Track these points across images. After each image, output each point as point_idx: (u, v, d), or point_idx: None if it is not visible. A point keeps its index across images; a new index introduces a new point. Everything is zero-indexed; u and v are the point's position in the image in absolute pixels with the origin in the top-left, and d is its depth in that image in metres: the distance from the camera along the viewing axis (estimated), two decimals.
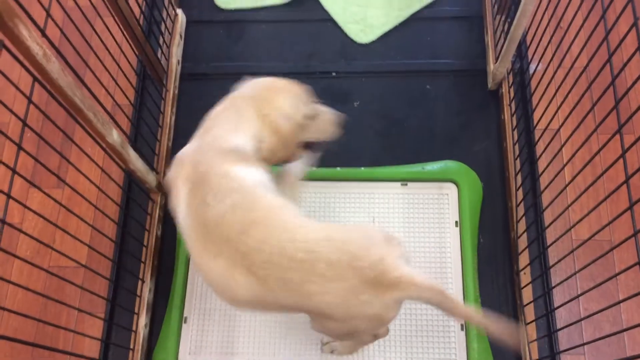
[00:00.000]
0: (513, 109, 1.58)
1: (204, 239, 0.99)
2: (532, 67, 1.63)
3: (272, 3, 1.84)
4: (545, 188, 1.35)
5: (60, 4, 1.13)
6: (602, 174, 1.04)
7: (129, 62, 1.49)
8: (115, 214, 1.56)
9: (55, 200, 1.16)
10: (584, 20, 1.12)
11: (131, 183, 1.57)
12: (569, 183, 1.19)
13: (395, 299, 0.95)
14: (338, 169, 1.59)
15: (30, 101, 1.07)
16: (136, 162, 1.37)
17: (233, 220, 0.96)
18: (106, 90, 1.34)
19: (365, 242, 0.95)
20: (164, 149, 1.60)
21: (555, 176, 1.26)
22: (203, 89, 1.73)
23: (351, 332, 1.08)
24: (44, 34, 1.02)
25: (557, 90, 1.26)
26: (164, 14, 1.70)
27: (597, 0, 1.05)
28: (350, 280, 0.92)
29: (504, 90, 1.62)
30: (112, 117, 1.33)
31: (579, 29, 1.14)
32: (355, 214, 1.55)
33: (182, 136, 1.67)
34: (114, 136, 1.25)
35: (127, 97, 1.43)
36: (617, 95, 0.99)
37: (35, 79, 0.99)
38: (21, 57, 0.95)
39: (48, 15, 1.07)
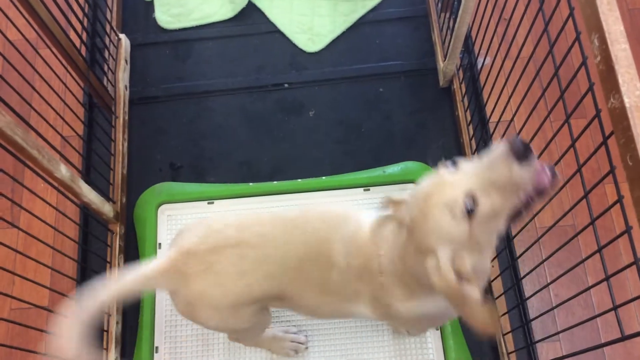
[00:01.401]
0: (466, 104, 1.59)
1: None
2: (480, 60, 1.64)
3: (216, 19, 1.81)
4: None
5: None
6: (558, 160, 1.05)
7: (74, 94, 1.45)
8: (75, 250, 1.51)
9: (7, 246, 1.12)
10: (525, 9, 1.13)
11: (88, 216, 1.53)
12: None
13: None
14: (299, 180, 1.57)
15: None
16: (89, 194, 1.33)
17: None
18: (52, 126, 1.30)
19: None
20: (119, 177, 1.56)
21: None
22: (154, 112, 1.70)
23: None
24: None
25: (506, 81, 1.27)
26: (107, 41, 1.66)
27: None
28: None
29: (455, 86, 1.63)
30: (60, 153, 1.30)
31: (521, 19, 1.14)
32: None
33: (136, 162, 1.64)
34: (63, 171, 1.21)
35: (75, 130, 1.40)
36: (565, 80, 1.00)
37: None
38: None
39: None
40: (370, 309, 1.02)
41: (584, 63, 0.90)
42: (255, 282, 0.98)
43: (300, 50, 1.77)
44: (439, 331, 1.43)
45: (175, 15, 1.81)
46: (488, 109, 1.55)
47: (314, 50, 1.77)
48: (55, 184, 1.23)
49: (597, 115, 0.86)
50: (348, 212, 1.04)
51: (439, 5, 1.70)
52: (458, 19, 1.41)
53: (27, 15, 1.27)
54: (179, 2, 1.84)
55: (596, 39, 0.80)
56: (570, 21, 0.93)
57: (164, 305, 1.47)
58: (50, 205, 1.23)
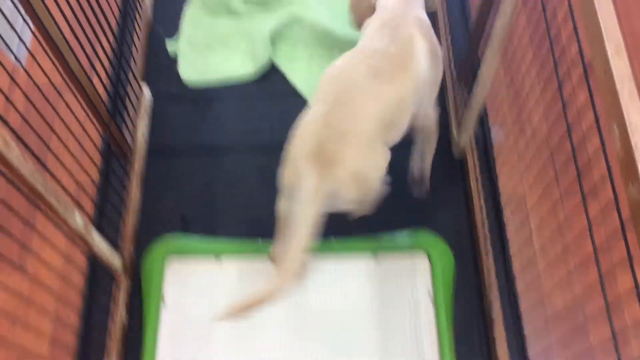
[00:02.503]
0: (478, 177, 1.60)
1: None
2: (494, 135, 1.66)
3: (238, 76, 1.85)
4: (514, 256, 1.36)
5: (20, 88, 1.12)
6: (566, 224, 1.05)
7: (93, 141, 1.47)
8: (79, 299, 1.50)
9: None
10: (542, 91, 1.15)
11: (95, 266, 1.53)
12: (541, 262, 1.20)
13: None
14: None
15: None
16: (100, 245, 1.33)
17: None
18: (69, 172, 1.31)
19: None
20: (129, 229, 1.57)
21: (524, 245, 1.26)
22: (170, 164, 1.71)
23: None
24: (5, 122, 1.00)
25: (520, 157, 1.28)
26: (129, 90, 1.69)
27: (553, 72, 1.09)
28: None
29: (468, 158, 1.65)
30: (75, 200, 1.30)
31: (538, 99, 1.17)
32: (326, 287, 1.52)
33: (148, 212, 1.64)
34: (77, 220, 1.21)
35: (91, 177, 1.41)
36: (579, 162, 1.01)
37: None
38: None
39: (8, 101, 1.05)
40: None
41: (603, 149, 0.92)
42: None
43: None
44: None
45: (198, 71, 1.86)
46: (501, 184, 1.56)
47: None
48: (70, 233, 1.23)
49: (617, 205, 0.87)
50: None
51: (454, 74, 1.73)
52: (474, 92, 1.44)
53: (54, 60, 1.31)
54: (202, 58, 1.88)
55: (616, 127, 0.82)
56: (586, 97, 0.95)
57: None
58: (59, 252, 1.22)
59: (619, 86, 0.80)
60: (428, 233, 1.58)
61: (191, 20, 1.94)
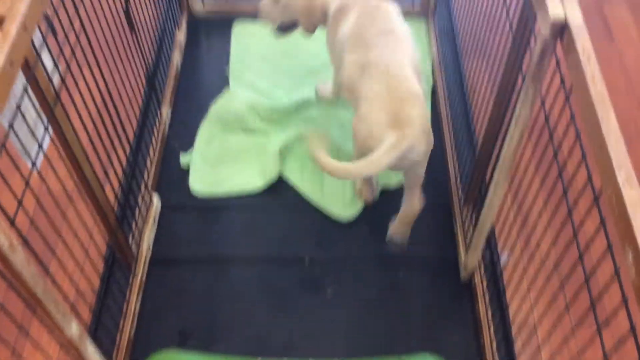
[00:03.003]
0: (487, 301, 1.56)
1: None
2: (503, 259, 1.65)
3: (247, 189, 1.88)
4: None
5: (32, 191, 1.13)
6: None
7: (98, 248, 1.46)
8: None
9: None
10: (551, 218, 1.15)
11: None
12: None
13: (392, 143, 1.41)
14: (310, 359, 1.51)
15: None
16: (93, 356, 1.28)
17: None
18: (70, 277, 1.29)
19: None
20: (125, 339, 1.51)
21: None
22: (173, 275, 1.69)
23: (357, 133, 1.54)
24: (13, 225, 1.00)
25: (530, 285, 1.26)
26: (139, 199, 1.71)
27: (562, 199, 1.09)
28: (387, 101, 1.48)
29: (476, 281, 1.62)
30: (73, 307, 1.27)
31: (547, 227, 1.17)
32: None
33: (146, 324, 1.59)
34: (73, 329, 1.17)
35: (92, 284, 1.38)
36: (592, 292, 0.99)
37: None
38: None
39: (20, 204, 1.06)
40: None
41: (616, 274, 0.90)
42: None
43: (325, 226, 1.80)
44: None
45: (208, 184, 1.89)
46: (511, 309, 1.52)
47: (349, 215, 1.81)
48: (64, 343, 1.18)
49: (634, 334, 0.84)
50: None
51: (462, 197, 1.75)
52: (482, 216, 1.44)
53: (70, 167, 1.33)
54: (213, 171, 1.92)
55: (630, 252, 0.81)
56: (595, 224, 0.94)
57: None
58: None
59: (631, 212, 0.80)
60: (436, 358, 1.51)
61: (205, 135, 2.00)
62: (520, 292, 1.41)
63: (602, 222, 0.94)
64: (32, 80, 1.10)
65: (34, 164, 1.15)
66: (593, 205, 0.97)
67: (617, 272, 0.90)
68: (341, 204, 1.84)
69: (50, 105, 1.17)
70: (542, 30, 1.09)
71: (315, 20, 1.77)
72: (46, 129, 1.18)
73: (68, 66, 1.25)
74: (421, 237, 1.77)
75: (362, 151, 1.49)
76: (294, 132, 1.96)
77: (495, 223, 1.55)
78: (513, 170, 1.33)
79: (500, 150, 1.34)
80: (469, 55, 2.03)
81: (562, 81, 1.11)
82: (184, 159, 1.94)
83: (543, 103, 1.19)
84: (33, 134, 1.16)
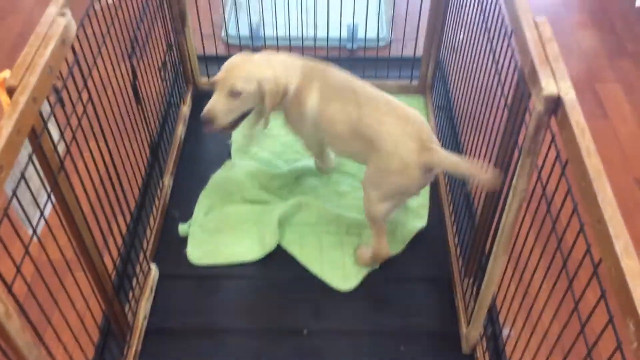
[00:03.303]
0: None
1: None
2: (505, 332, 1.62)
3: (245, 259, 1.87)
4: None
5: (32, 259, 1.13)
6: None
7: (94, 317, 1.44)
8: None
9: None
10: (551, 290, 1.14)
11: None
12: None
13: (427, 159, 1.58)
14: None
15: None
16: None
17: None
18: (64, 346, 1.27)
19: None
20: None
21: None
22: (168, 345, 1.66)
23: (382, 181, 1.64)
24: (10, 291, 0.99)
25: (533, 358, 1.23)
26: (138, 268, 1.70)
27: (562, 270, 1.09)
28: (409, 128, 1.60)
29: (478, 355, 1.59)
30: None
31: (548, 298, 1.16)
32: None
33: None
34: None
35: (86, 354, 1.36)
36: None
37: None
38: None
39: (18, 272, 1.05)
40: None
41: (618, 348, 0.89)
42: None
43: (325, 296, 1.78)
44: None
45: (205, 252, 1.88)
46: None
47: (350, 286, 1.79)
48: None
49: None
50: None
51: (462, 270, 1.74)
52: (482, 288, 1.43)
53: (70, 235, 1.33)
54: (211, 240, 1.92)
55: (632, 324, 0.80)
56: (596, 296, 0.94)
57: None
58: None
59: (630, 284, 0.80)
60: None
61: (204, 204, 2.01)
62: None
63: (603, 293, 0.94)
64: (38, 148, 1.13)
65: (34, 231, 1.16)
66: (593, 276, 0.96)
67: (619, 345, 0.89)
68: (341, 274, 1.83)
69: (54, 174, 1.19)
70: (537, 105, 1.13)
71: (279, 101, 1.75)
72: (49, 196, 1.20)
73: (74, 136, 1.28)
74: (421, 310, 1.75)
75: (397, 187, 1.64)
76: (292, 201, 1.98)
77: (497, 295, 1.54)
78: (513, 241, 1.33)
79: (499, 222, 1.35)
80: (466, 129, 2.07)
81: (558, 155, 1.13)
82: (182, 228, 1.94)
83: (540, 176, 1.21)
84: (35, 201, 1.17)
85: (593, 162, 0.98)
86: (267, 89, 1.66)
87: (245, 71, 1.66)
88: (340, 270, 1.83)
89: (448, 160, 1.57)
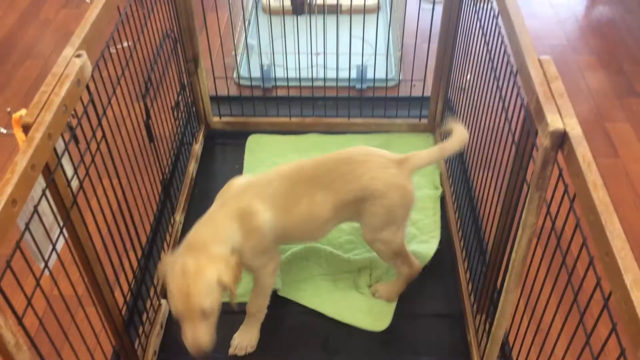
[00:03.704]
0: None
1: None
2: None
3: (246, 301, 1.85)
4: None
5: (43, 293, 1.14)
6: None
7: (104, 351, 1.44)
8: None
9: None
10: (564, 322, 1.13)
11: None
12: None
13: (409, 168, 1.63)
14: None
15: None
16: None
17: None
18: None
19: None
20: None
21: None
22: None
23: (391, 215, 1.64)
24: (20, 323, 1.00)
25: None
26: (148, 304, 1.70)
27: (573, 304, 1.08)
28: (380, 160, 1.61)
29: None
30: None
31: (560, 332, 1.14)
32: None
33: None
34: None
35: None
36: None
37: None
38: None
39: (29, 304, 1.06)
40: None
41: None
42: None
43: (334, 331, 1.77)
44: None
45: None
46: None
47: (385, 326, 1.77)
48: None
49: None
50: None
51: (475, 307, 1.72)
52: (495, 323, 1.42)
53: (82, 270, 1.35)
54: None
55: None
56: (609, 328, 0.93)
57: None
58: None
59: None
60: None
61: None
62: None
63: (614, 327, 0.93)
64: (51, 183, 1.15)
65: (46, 265, 1.17)
66: (604, 309, 0.96)
67: None
68: (374, 315, 1.80)
69: (67, 209, 1.21)
70: (543, 141, 1.14)
71: (241, 267, 1.56)
72: (61, 231, 1.21)
73: (87, 172, 1.30)
74: (433, 346, 1.73)
75: (405, 212, 1.67)
76: (298, 250, 1.95)
77: (509, 331, 1.52)
78: (524, 276, 1.33)
79: (510, 257, 1.35)
80: (476, 167, 2.09)
81: (566, 189, 1.14)
82: None
83: (549, 210, 1.21)
84: (48, 236, 1.19)
85: (600, 195, 0.98)
86: (226, 280, 1.42)
87: (199, 285, 1.39)
88: (371, 312, 1.81)
89: (425, 156, 1.65)
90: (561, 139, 1.12)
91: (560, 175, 1.15)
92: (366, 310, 1.81)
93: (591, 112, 2.71)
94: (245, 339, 1.72)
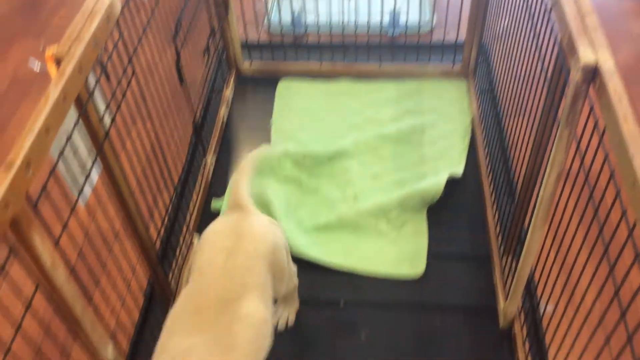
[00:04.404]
0: (527, 349, 1.52)
1: None
2: (543, 306, 1.60)
3: None
4: None
5: (82, 225, 1.19)
6: None
7: (139, 283, 1.51)
8: None
9: None
10: (588, 257, 1.13)
11: None
12: None
13: (241, 207, 1.39)
14: None
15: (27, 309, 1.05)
16: None
17: None
18: (112, 309, 1.33)
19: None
20: None
21: None
22: None
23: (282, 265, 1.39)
24: (57, 244, 1.05)
25: (573, 335, 1.22)
26: (181, 239, 1.77)
27: (598, 237, 1.08)
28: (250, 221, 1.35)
29: (516, 329, 1.58)
30: (113, 335, 1.30)
31: (584, 266, 1.15)
32: None
33: None
34: (109, 353, 1.20)
35: (132, 317, 1.42)
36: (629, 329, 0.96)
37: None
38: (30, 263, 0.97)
39: (65, 227, 1.11)
40: None
41: None
42: None
43: (358, 276, 1.80)
44: None
45: None
46: (550, 356, 1.47)
47: (421, 271, 1.78)
48: None
49: None
50: None
51: (502, 248, 1.73)
52: (521, 261, 1.42)
53: (118, 206, 1.40)
54: None
55: None
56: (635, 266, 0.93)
57: None
58: None
59: None
60: None
61: None
62: (562, 341, 1.36)
63: (637, 255, 0.93)
64: (84, 116, 1.19)
65: (80, 193, 1.22)
66: (628, 239, 0.95)
67: None
68: (408, 263, 1.81)
69: (100, 143, 1.25)
70: (574, 75, 1.12)
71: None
72: (93, 163, 1.26)
73: (119, 108, 1.34)
74: (459, 286, 1.75)
75: (280, 241, 1.40)
76: (333, 217, 1.95)
77: (536, 271, 1.52)
78: (552, 213, 1.32)
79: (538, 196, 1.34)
80: (509, 111, 2.06)
81: (596, 124, 1.12)
82: (215, 203, 1.99)
83: (578, 147, 1.20)
84: (84, 169, 1.23)
85: (630, 128, 0.96)
86: None
87: None
88: (403, 260, 1.82)
89: (240, 188, 1.43)
90: (593, 73, 1.09)
91: (592, 110, 1.13)
92: (400, 258, 1.83)
93: (633, 58, 2.62)
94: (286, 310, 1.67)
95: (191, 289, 1.26)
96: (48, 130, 0.98)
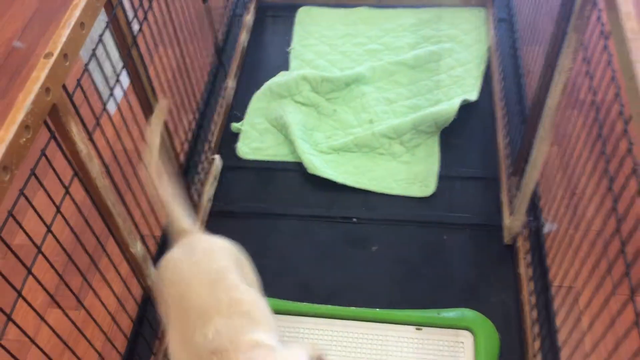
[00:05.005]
0: (529, 263, 1.59)
1: None
2: (547, 224, 1.67)
3: (289, 159, 1.98)
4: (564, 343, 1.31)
5: (106, 139, 1.27)
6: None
7: None
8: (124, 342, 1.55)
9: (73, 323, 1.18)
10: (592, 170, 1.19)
11: (145, 309, 1.58)
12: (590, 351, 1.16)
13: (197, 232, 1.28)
14: (352, 308, 1.59)
15: (63, 201, 1.14)
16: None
17: None
18: (142, 212, 1.43)
19: None
20: None
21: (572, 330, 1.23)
22: (228, 226, 1.81)
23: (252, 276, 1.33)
24: (91, 139, 1.13)
25: (573, 248, 1.28)
26: (203, 157, 1.85)
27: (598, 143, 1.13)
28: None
29: (519, 244, 1.65)
30: (142, 239, 1.39)
31: (588, 180, 1.20)
32: (368, 355, 1.50)
33: None
34: (138, 247, 1.30)
35: (159, 223, 1.52)
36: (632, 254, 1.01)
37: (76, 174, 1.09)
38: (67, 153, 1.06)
39: (97, 124, 1.19)
40: None
41: None
42: None
43: (371, 192, 1.88)
44: None
45: (253, 148, 2.02)
46: (552, 272, 1.55)
47: (432, 191, 1.86)
48: (129, 259, 1.31)
49: None
50: None
51: (510, 170, 1.79)
52: (525, 174, 1.48)
53: (146, 117, 1.47)
54: (260, 138, 2.04)
55: None
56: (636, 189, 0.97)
57: None
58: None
59: None
60: (475, 313, 1.55)
61: (256, 104, 2.13)
62: (562, 254, 1.43)
63: (630, 147, 0.98)
64: (114, 21, 1.25)
65: (111, 94, 1.29)
66: (624, 135, 1.00)
67: None
68: (419, 184, 1.89)
69: (128, 47, 1.32)
70: None
71: None
72: (123, 66, 1.32)
73: (145, 16, 1.40)
74: (467, 204, 1.82)
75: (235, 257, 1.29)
76: (348, 139, 2.01)
77: (541, 192, 1.58)
78: (557, 122, 1.35)
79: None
80: (526, 40, 2.07)
81: (602, 30, 1.15)
82: (235, 125, 2.07)
83: (586, 50, 1.22)
84: (117, 80, 1.30)
85: (632, 25, 1.00)
86: None
87: None
88: (416, 179, 1.90)
89: (176, 214, 1.27)
90: None
91: (599, 18, 1.16)
92: (411, 179, 1.90)
93: None
94: None
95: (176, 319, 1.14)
96: (82, 25, 1.05)
